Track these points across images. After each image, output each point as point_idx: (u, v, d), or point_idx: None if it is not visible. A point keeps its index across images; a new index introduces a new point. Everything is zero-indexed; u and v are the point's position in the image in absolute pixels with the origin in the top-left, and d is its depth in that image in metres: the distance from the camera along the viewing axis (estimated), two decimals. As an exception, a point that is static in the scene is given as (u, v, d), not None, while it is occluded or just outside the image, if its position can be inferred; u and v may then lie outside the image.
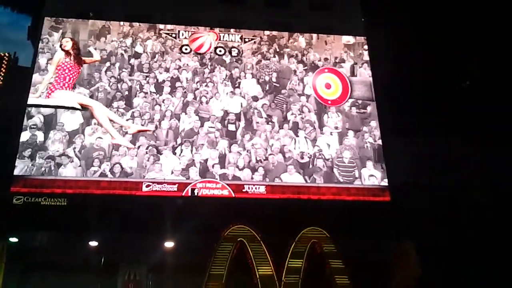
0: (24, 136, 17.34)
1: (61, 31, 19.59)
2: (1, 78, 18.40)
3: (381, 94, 20.15)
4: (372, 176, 18.38)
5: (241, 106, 19.09)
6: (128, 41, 19.87)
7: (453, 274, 18.58)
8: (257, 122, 18.83)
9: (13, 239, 16.06)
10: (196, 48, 19.92)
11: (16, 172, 16.73)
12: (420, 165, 19.89)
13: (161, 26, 20.44)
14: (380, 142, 19.08)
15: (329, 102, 19.71)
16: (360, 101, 19.84)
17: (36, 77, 18.35)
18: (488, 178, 20.80)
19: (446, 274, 18.47)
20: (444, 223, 19.73)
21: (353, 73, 20.47)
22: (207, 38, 20.28)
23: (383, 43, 22.69)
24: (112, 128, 17.83)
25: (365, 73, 20.51)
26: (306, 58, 20.55)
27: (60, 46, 18.92)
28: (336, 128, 19.15)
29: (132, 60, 19.46)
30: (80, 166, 17.11)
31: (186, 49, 19.93)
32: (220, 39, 20.42)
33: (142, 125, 18.07)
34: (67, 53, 18.61)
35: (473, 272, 18.67)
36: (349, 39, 21.31)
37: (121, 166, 17.24)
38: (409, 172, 19.32)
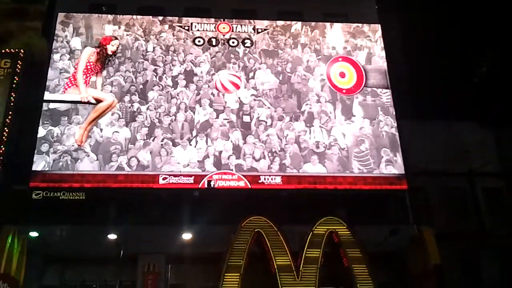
0: (41, 131, 17.52)
1: (72, 25, 19.69)
2: (17, 75, 18.44)
3: (396, 81, 19.99)
4: (389, 164, 18.27)
5: (255, 97, 19.05)
6: (142, 34, 19.90)
7: (471, 259, 18.53)
8: (271, 113, 18.79)
9: (34, 233, 16.26)
10: (235, 87, 19.24)
11: (35, 167, 16.92)
12: (436, 152, 19.76)
13: (174, 18, 20.42)
14: (396, 130, 18.93)
15: (344, 91, 19.59)
16: (375, 89, 19.68)
17: (51, 72, 18.52)
18: (505, 163, 20.67)
19: (464, 259, 18.41)
20: (462, 208, 19.66)
21: (367, 61, 20.30)
22: (221, 77, 19.41)
23: (398, 30, 22.45)
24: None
25: (379, 61, 20.33)
26: (320, 47, 20.41)
27: (104, 45, 19.04)
28: (352, 117, 19.05)
29: (146, 54, 19.49)
30: (97, 160, 17.24)
31: (199, 41, 19.92)
32: (232, 30, 20.36)
33: (157, 118, 18.13)
34: (103, 52, 18.80)
35: (491, 257, 18.63)
36: (363, 26, 21.12)
37: (138, 159, 17.34)
38: (425, 159, 19.19)
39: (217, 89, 19.14)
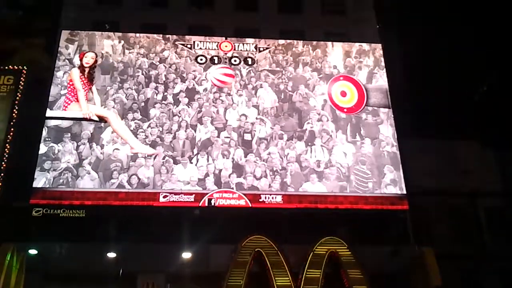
0: (42, 148, 17.53)
1: (76, 43, 19.80)
2: (20, 91, 18.50)
3: (397, 100, 20.02)
4: (390, 184, 18.23)
5: (257, 115, 19.09)
6: (144, 52, 19.98)
7: (473, 279, 18.43)
8: (273, 131, 18.80)
9: (33, 251, 16.21)
10: (230, 77, 19.75)
11: (35, 184, 16.91)
12: (437, 171, 19.75)
13: (177, 37, 20.53)
14: (397, 149, 18.91)
15: (345, 110, 19.62)
16: (376, 108, 19.72)
17: (54, 89, 18.60)
18: (507, 182, 20.64)
19: (466, 279, 18.31)
20: (463, 229, 19.59)
21: (369, 80, 20.36)
22: (213, 74, 19.83)
23: (399, 49, 22.58)
24: (132, 137, 17.97)
25: (381, 80, 20.37)
26: (321, 66, 20.49)
27: (81, 60, 19.16)
28: (353, 136, 19.05)
29: (149, 72, 19.55)
30: (97, 177, 17.23)
31: (201, 59, 20.00)
32: (235, 49, 20.46)
33: (159, 136, 18.14)
34: (82, 68, 18.91)
35: (492, 277, 18.54)
36: (364, 46, 21.21)
37: (138, 177, 17.32)
38: (427, 179, 19.17)
39: (214, 85, 19.41)
